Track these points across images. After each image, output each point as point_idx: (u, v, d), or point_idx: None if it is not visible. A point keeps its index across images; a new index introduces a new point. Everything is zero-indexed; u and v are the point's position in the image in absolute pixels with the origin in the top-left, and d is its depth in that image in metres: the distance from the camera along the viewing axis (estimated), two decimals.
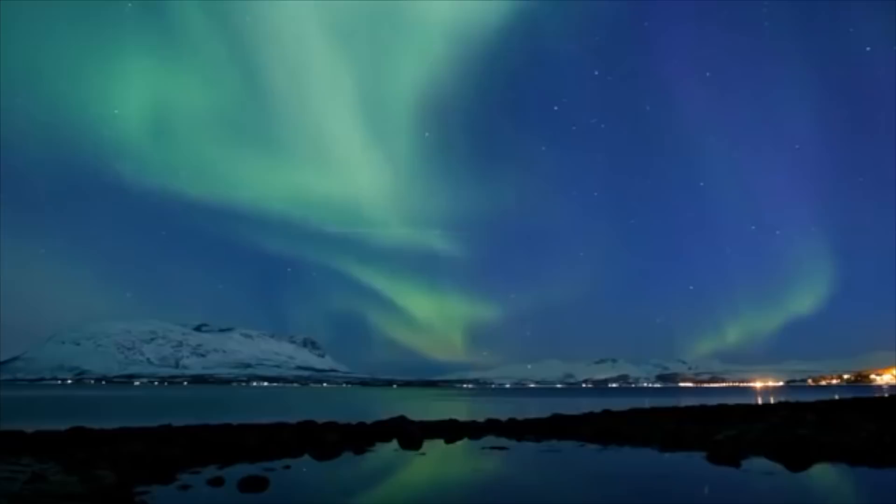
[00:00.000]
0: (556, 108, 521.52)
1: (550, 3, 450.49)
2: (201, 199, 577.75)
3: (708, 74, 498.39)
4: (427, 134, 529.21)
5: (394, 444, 14.84)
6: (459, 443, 15.50)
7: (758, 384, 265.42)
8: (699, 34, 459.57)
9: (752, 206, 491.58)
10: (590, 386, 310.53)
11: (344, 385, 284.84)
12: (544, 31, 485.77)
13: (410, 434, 16.28)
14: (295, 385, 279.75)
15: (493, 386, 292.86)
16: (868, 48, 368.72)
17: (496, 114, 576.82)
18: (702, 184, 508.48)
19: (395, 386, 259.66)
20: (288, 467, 10.68)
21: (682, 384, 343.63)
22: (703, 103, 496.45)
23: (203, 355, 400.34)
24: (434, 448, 14.27)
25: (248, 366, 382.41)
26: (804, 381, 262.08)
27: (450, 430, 17.48)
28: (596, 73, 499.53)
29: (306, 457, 12.33)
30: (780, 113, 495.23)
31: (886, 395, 40.06)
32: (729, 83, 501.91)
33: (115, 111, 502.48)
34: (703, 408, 24.69)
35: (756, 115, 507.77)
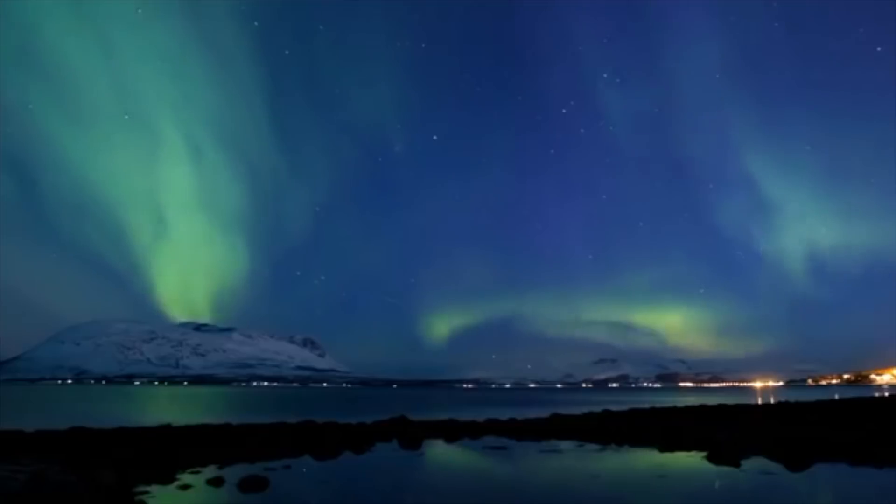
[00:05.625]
0: (564, 110, 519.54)
1: (555, 5, 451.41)
2: (200, 199, 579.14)
3: (717, 76, 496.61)
4: (435, 137, 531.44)
5: (394, 444, 14.84)
6: (459, 443, 15.50)
7: (758, 384, 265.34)
8: (708, 35, 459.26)
9: (761, 209, 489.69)
10: (590, 386, 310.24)
11: (344, 385, 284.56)
12: (551, 33, 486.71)
13: (410, 434, 16.30)
14: (295, 385, 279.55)
15: (493, 386, 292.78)
16: (878, 48, 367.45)
17: (503, 116, 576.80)
18: (711, 185, 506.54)
19: (395, 386, 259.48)
20: (288, 467, 10.69)
21: (682, 384, 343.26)
22: (713, 105, 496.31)
23: (203, 355, 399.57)
24: (434, 448, 14.26)
25: (248, 366, 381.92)
26: (804, 381, 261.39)
27: (450, 430, 17.48)
28: (604, 75, 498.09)
29: (306, 457, 12.32)
30: (790, 114, 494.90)
31: (886, 394, 40.05)
32: (739, 84, 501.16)
33: (125, 116, 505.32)
34: (703, 408, 24.70)
35: (765, 116, 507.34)
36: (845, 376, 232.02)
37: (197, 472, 9.77)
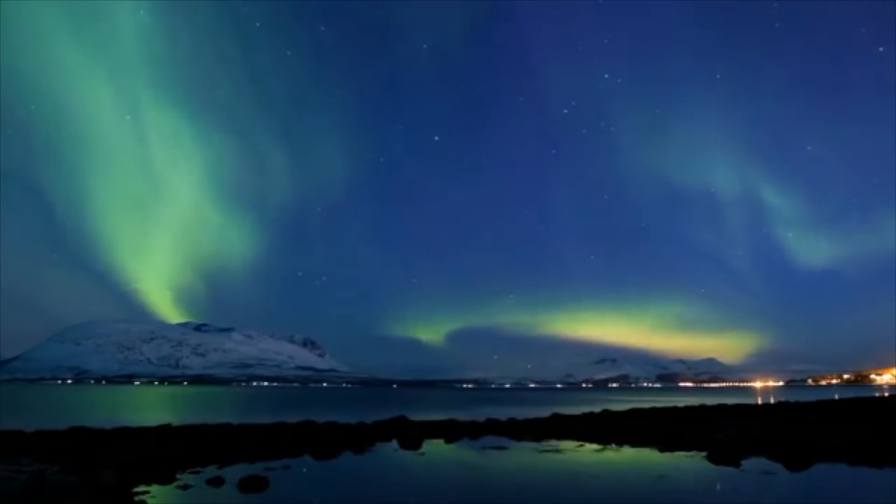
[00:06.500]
0: (565, 111, 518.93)
1: (559, 5, 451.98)
2: (201, 200, 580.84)
3: (718, 76, 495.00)
4: (436, 138, 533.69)
5: (394, 444, 14.85)
6: (459, 443, 15.50)
7: (758, 384, 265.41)
8: (709, 36, 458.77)
9: (761, 209, 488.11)
10: (590, 386, 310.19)
11: (344, 385, 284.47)
12: (552, 34, 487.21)
13: (410, 434, 16.30)
14: (295, 385, 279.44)
15: (493, 386, 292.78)
16: (881, 48, 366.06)
17: (504, 116, 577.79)
18: (713, 186, 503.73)
19: (395, 386, 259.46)
20: (288, 467, 10.69)
21: (682, 384, 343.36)
22: (714, 105, 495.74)
23: (203, 355, 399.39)
24: (434, 448, 14.27)
25: (248, 366, 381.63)
26: (804, 381, 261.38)
27: (450, 430, 17.48)
28: (606, 76, 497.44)
29: (306, 457, 12.33)
30: (792, 114, 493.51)
31: (886, 394, 40.04)
32: (739, 85, 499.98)
33: (127, 117, 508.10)
34: (703, 408, 24.68)
35: (767, 116, 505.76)
36: (845, 376, 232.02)
37: (197, 472, 9.78)
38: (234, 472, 9.59)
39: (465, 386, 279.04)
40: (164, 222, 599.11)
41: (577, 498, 8.68)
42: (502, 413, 24.90)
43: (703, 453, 12.05)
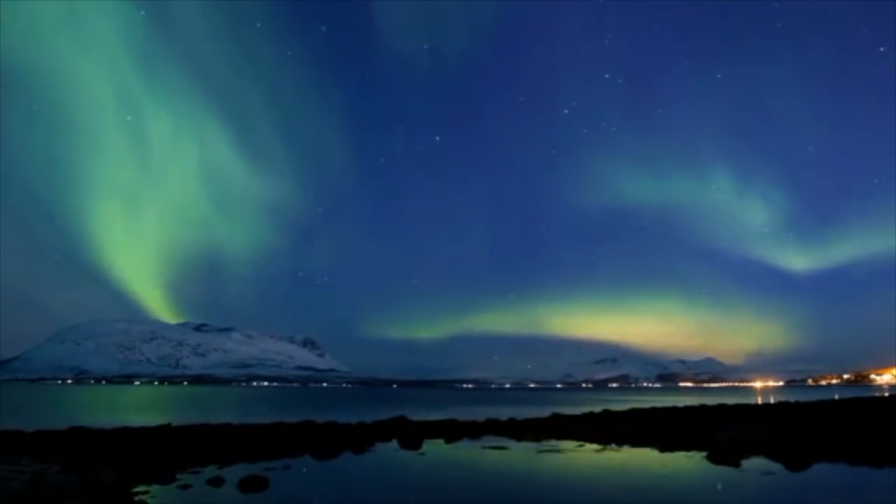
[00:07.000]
0: (566, 111, 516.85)
1: (559, 5, 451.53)
2: (202, 199, 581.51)
3: (718, 76, 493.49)
4: (437, 138, 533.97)
5: (394, 444, 14.85)
6: (459, 443, 15.50)
7: (758, 384, 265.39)
8: (709, 36, 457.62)
9: (762, 209, 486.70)
10: (590, 386, 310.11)
11: (344, 385, 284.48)
12: (553, 34, 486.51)
13: (410, 434, 16.31)
14: (295, 385, 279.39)
15: (493, 386, 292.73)
16: (882, 48, 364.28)
17: (505, 117, 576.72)
18: (714, 186, 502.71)
19: (395, 386, 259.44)
20: (288, 467, 10.70)
21: (682, 384, 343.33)
22: (715, 105, 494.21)
23: (203, 355, 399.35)
24: (434, 448, 14.27)
25: (248, 366, 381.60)
26: (804, 381, 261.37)
27: (450, 430, 17.48)
28: (606, 76, 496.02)
29: (306, 457, 12.33)
30: (792, 114, 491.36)
31: (886, 394, 40.03)
32: (740, 85, 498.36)
33: (128, 118, 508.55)
34: (703, 408, 24.68)
35: (768, 117, 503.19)
36: (845, 376, 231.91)
37: (197, 472, 9.78)
38: (234, 472, 9.59)
39: (464, 386, 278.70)
40: (164, 222, 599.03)
41: (576, 498, 8.68)
42: (502, 413, 24.89)
43: (703, 453, 12.05)
